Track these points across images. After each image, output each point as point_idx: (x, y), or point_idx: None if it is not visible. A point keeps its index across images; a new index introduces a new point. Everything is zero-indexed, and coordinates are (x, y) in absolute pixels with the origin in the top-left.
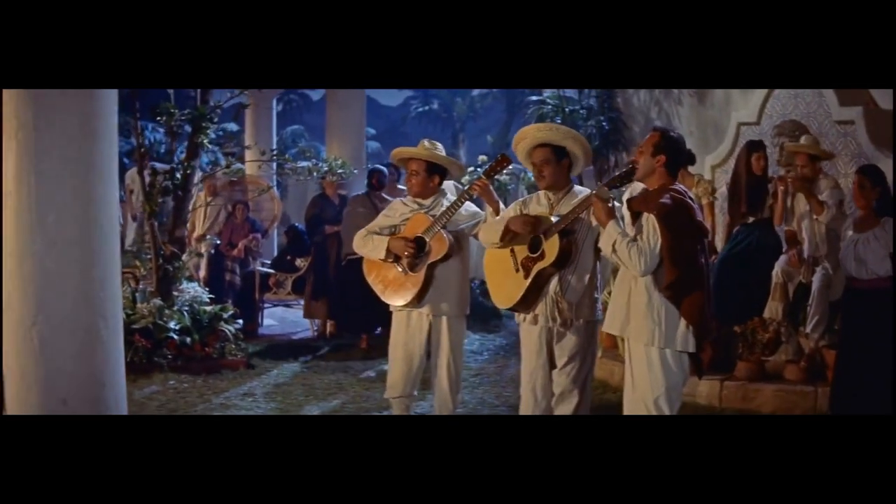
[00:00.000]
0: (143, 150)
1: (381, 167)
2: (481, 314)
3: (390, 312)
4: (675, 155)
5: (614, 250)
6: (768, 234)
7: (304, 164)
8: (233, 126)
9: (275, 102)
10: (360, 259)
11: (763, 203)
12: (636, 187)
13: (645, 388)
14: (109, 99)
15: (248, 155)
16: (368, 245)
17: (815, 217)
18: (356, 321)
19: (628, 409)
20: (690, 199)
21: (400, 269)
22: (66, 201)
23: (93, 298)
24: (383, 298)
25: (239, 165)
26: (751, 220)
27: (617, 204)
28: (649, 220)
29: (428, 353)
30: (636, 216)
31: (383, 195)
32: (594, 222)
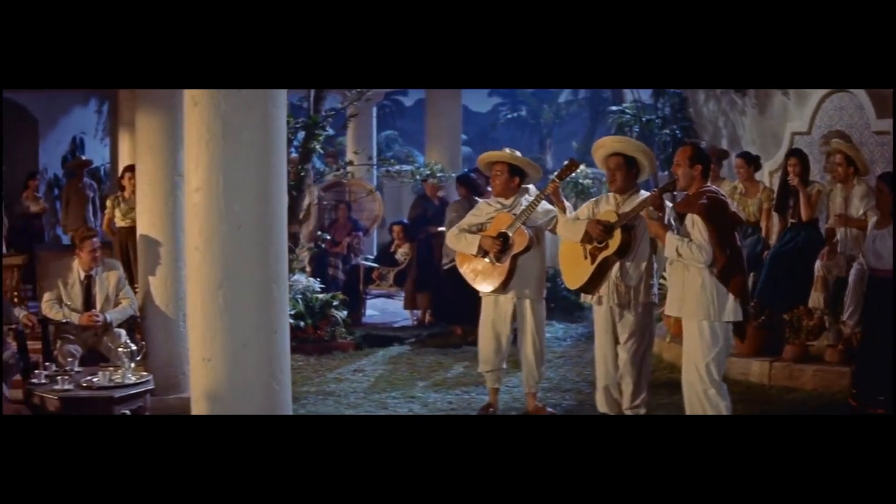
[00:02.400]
0: None
1: (469, 174)
2: (566, 306)
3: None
4: (707, 163)
5: (679, 254)
6: (813, 233)
7: (407, 168)
8: (329, 130)
9: (375, 110)
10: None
11: (796, 205)
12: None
13: (698, 357)
14: (280, 109)
15: (354, 159)
16: (462, 242)
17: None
18: (453, 313)
19: (685, 374)
20: (722, 195)
21: (488, 261)
22: (248, 194)
23: (267, 267)
24: (474, 286)
25: (350, 169)
26: (792, 221)
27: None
28: (696, 221)
29: (514, 332)
30: (681, 217)
31: (475, 199)
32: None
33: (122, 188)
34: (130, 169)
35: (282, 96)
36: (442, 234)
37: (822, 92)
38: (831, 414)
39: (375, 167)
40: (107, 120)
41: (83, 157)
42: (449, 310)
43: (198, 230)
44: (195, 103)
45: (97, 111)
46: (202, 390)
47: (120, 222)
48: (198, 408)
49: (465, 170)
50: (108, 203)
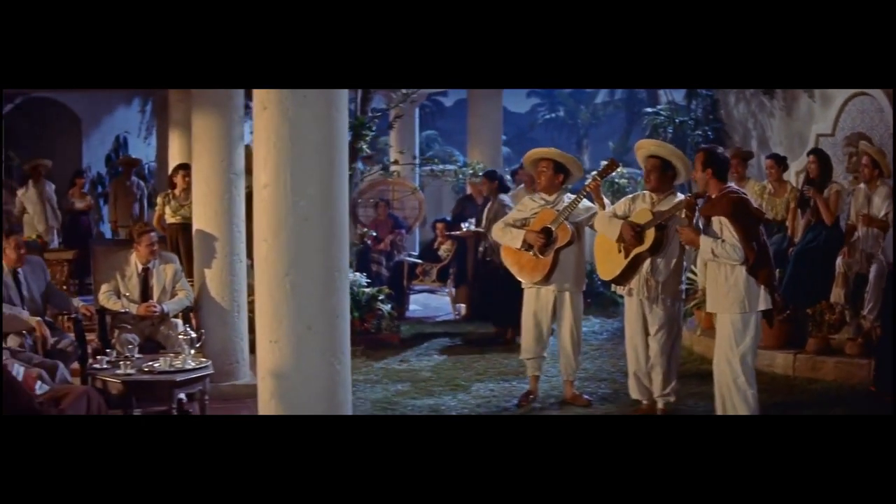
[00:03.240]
0: None
1: (496, 171)
2: (602, 302)
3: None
4: (719, 166)
5: (715, 255)
6: (835, 232)
7: (451, 167)
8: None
9: (417, 111)
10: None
11: (813, 204)
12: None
13: (732, 348)
14: (342, 112)
15: (399, 159)
16: (507, 236)
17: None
18: (504, 316)
19: (716, 365)
20: (743, 193)
21: (532, 254)
22: (313, 190)
23: (331, 257)
24: (518, 277)
25: (396, 168)
26: (813, 221)
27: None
28: (724, 222)
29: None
30: (708, 219)
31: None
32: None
33: (173, 186)
34: (182, 167)
35: (343, 101)
36: (476, 232)
37: (845, 95)
38: (835, 414)
39: (418, 167)
40: (150, 119)
41: (133, 156)
42: (499, 313)
43: (266, 223)
44: (264, 107)
45: (140, 111)
46: (269, 369)
47: (170, 219)
48: (264, 386)
49: (505, 169)
50: (159, 200)
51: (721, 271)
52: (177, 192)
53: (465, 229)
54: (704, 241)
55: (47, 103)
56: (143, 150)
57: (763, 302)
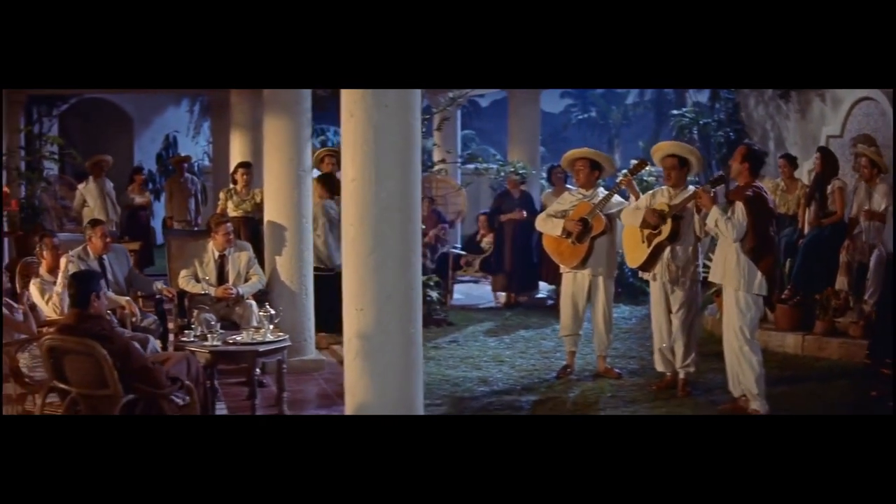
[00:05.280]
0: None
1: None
2: (631, 292)
3: None
4: (754, 161)
5: (717, 225)
6: (839, 225)
7: (493, 166)
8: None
9: (459, 112)
10: None
11: (818, 197)
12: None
13: (734, 319)
14: (416, 120)
15: (447, 158)
16: (548, 224)
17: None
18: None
19: (725, 335)
20: (765, 192)
21: (570, 241)
22: (392, 183)
23: (406, 239)
24: (557, 262)
25: (442, 167)
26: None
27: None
28: (739, 206)
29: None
30: (731, 203)
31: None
32: (695, 210)
33: (235, 182)
34: (243, 165)
35: (417, 108)
36: (514, 221)
37: (852, 100)
38: (833, 414)
39: (461, 165)
40: (198, 118)
41: (182, 154)
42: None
43: (353, 211)
44: (351, 115)
45: (189, 111)
46: (354, 332)
47: (232, 212)
48: (350, 346)
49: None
50: (222, 195)
51: (729, 248)
52: (238, 187)
53: None
54: (715, 210)
55: (100, 104)
56: (191, 149)
57: (759, 287)
